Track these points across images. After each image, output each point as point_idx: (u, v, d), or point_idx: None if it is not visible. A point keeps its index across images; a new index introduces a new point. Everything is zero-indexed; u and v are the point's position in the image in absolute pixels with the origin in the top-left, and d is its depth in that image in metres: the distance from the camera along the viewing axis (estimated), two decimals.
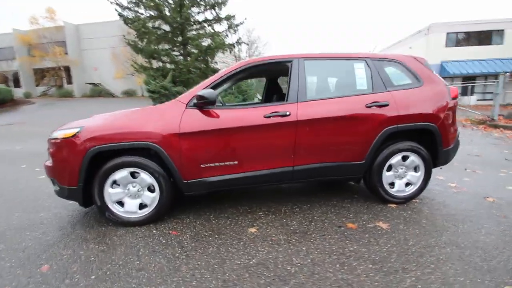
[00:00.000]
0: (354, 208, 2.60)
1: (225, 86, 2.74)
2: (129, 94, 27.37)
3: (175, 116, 2.19)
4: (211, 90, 2.15)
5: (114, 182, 2.21)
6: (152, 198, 2.26)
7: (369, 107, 2.43)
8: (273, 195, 2.97)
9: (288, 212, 2.54)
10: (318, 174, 2.49)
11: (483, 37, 21.63)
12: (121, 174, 2.19)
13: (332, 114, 2.36)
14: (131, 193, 2.25)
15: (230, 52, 17.10)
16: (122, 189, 2.24)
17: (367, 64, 2.57)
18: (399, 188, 2.66)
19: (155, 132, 2.14)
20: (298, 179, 2.46)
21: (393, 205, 2.65)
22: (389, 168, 2.61)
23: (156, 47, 15.08)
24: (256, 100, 16.73)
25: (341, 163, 2.48)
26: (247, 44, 20.05)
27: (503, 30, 21.07)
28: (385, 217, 2.39)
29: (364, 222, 2.30)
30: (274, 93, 3.60)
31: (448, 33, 21.75)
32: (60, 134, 2.20)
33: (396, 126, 2.48)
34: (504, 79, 8.69)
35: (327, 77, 2.62)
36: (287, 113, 2.29)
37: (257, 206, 2.69)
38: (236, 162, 2.28)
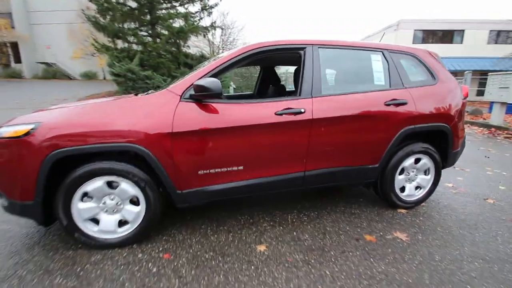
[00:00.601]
0: (365, 215, 2.39)
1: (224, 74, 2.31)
2: (89, 76, 24.93)
3: (167, 111, 1.73)
4: (215, 79, 1.71)
5: (85, 194, 1.72)
6: (136, 213, 1.81)
7: (388, 105, 2.17)
8: (274, 200, 2.65)
9: (295, 221, 2.24)
10: (330, 180, 2.22)
11: (446, 36, 23.02)
12: (95, 184, 1.70)
13: (350, 112, 2.07)
14: (107, 208, 1.78)
15: (204, 36, 16.12)
16: (95, 203, 1.76)
17: (384, 56, 2.31)
18: (409, 192, 2.49)
19: (140, 131, 1.67)
20: (309, 185, 2.17)
21: (403, 211, 2.48)
22: (401, 172, 2.42)
23: (121, 26, 13.65)
24: (231, 89, 16.19)
25: (355, 167, 2.22)
26: (222, 29, 19.03)
27: (463, 30, 22.57)
28: (400, 226, 2.21)
29: (381, 233, 2.08)
30: (270, 83, 3.22)
31: (415, 30, 22.77)
32: (7, 132, 1.64)
33: (413, 126, 2.27)
34: (470, 77, 9.18)
35: (343, 69, 2.31)
36: (302, 110, 1.94)
37: (260, 214, 2.36)
38: (241, 168, 1.91)
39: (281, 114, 1.90)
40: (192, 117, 1.75)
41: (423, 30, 22.93)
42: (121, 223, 1.83)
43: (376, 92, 2.19)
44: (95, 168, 1.67)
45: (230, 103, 1.88)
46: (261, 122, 1.86)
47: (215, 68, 1.88)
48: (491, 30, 22.73)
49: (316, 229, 2.12)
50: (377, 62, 2.27)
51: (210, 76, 1.86)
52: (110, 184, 1.74)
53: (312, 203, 2.60)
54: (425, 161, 2.45)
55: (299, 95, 2.01)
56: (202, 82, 1.69)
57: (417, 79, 2.41)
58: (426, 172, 2.51)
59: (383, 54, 2.31)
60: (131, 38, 14.05)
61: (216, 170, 1.85)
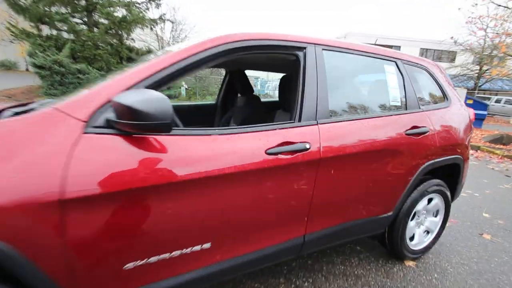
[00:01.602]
0: (371, 274, 1.79)
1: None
2: (7, 67, 20.71)
3: (51, 155, 0.82)
4: (160, 96, 0.86)
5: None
6: None
7: (409, 135, 1.60)
8: None
9: None
10: (334, 240, 1.55)
11: None
12: None
13: (368, 145, 1.42)
14: None
15: (151, 29, 14.49)
16: None
17: (398, 68, 1.74)
18: (419, 240, 1.98)
19: None
20: (307, 251, 1.46)
21: (411, 263, 1.96)
22: (413, 217, 1.89)
23: (47, 9, 11.36)
24: (182, 90, 14.80)
25: (366, 219, 1.60)
26: (172, 23, 17.46)
27: (400, 46, 24.91)
28: None
29: None
30: (239, 92, 2.45)
31: None
32: None
33: (433, 161, 1.74)
34: None
35: (354, 82, 1.68)
36: (307, 146, 1.23)
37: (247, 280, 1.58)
38: (208, 245, 1.10)
39: (275, 154, 1.15)
40: (110, 165, 0.88)
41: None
42: None
43: (394, 116, 1.60)
44: None
45: (188, 135, 1.05)
46: (244, 168, 1.08)
47: (161, 69, 1.03)
48: (421, 48, 25.60)
49: None
50: (391, 75, 1.69)
51: (152, 85, 1.01)
52: None
53: (301, 262, 1.91)
54: (437, 201, 1.97)
55: (299, 119, 1.29)
56: (133, 101, 0.82)
57: (431, 99, 1.92)
58: (435, 213, 2.04)
59: (396, 65, 1.74)
60: (61, 25, 11.83)
61: (162, 256, 1.01)
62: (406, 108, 1.69)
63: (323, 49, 1.42)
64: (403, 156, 1.59)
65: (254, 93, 2.41)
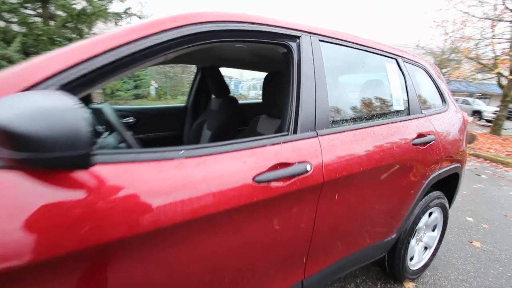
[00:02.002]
0: None
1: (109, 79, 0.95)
2: None
3: None
4: (61, 104, 0.49)
5: None
6: None
7: (415, 144, 1.37)
8: None
9: None
10: (335, 276, 1.27)
11: None
12: None
13: (376, 161, 1.16)
14: None
15: (116, 23, 13.49)
16: None
17: (399, 66, 1.51)
18: (418, 258, 1.79)
19: None
20: None
21: (411, 285, 1.76)
22: (413, 234, 1.68)
23: None
24: (151, 89, 13.92)
25: (371, 246, 1.35)
26: (140, 18, 16.44)
27: None
28: None
29: None
30: (213, 93, 2.11)
31: None
32: None
33: (438, 173, 1.54)
34: None
35: (354, 81, 1.41)
36: (307, 168, 0.92)
37: None
38: None
39: (266, 182, 0.84)
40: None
41: None
42: None
43: (399, 123, 1.36)
44: None
45: (137, 161, 0.69)
46: (223, 208, 0.75)
47: (89, 58, 0.65)
48: None
49: None
50: (393, 75, 1.45)
51: (74, 84, 0.64)
52: None
53: None
54: (436, 214, 1.79)
55: (294, 131, 0.98)
56: (10, 116, 0.45)
57: (431, 102, 1.72)
58: (433, 227, 1.86)
59: (397, 62, 1.50)
60: (9, 16, 10.53)
61: None
62: (409, 113, 1.47)
63: (319, 40, 1.12)
64: (410, 170, 1.35)
65: (230, 94, 2.07)
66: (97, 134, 1.19)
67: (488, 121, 14.72)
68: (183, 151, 0.74)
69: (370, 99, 1.40)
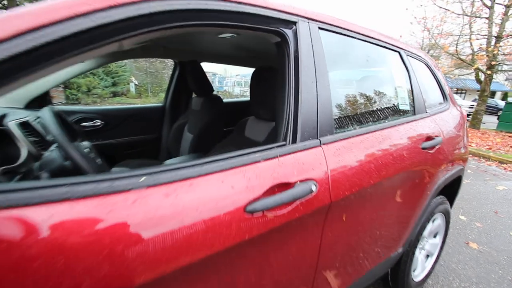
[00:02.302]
0: None
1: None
2: None
3: None
4: None
5: None
6: None
7: (424, 148, 1.21)
8: None
9: None
10: None
11: None
12: None
13: (387, 171, 0.98)
14: None
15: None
16: None
17: (402, 60, 1.35)
18: (422, 268, 1.66)
19: None
20: None
21: None
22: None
23: None
24: (131, 86, 13.28)
25: (377, 265, 1.18)
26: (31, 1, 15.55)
27: None
28: None
29: None
30: (194, 91, 1.88)
31: None
32: None
33: (445, 178, 1.40)
34: None
35: (355, 77, 1.23)
36: (312, 188, 0.73)
37: None
38: None
39: (262, 211, 0.63)
40: None
41: None
42: None
43: (406, 124, 1.19)
44: None
45: (73, 199, 0.46)
46: (204, 255, 0.54)
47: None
48: None
49: None
50: (398, 70, 1.29)
51: None
52: None
53: None
54: (440, 220, 1.66)
55: (293, 139, 0.78)
56: None
57: (434, 99, 1.58)
58: (435, 234, 1.73)
59: (400, 56, 1.34)
60: None
61: None
62: (414, 113, 1.31)
63: (319, 28, 0.93)
64: (420, 177, 1.20)
65: (214, 93, 1.85)
66: (44, 146, 0.95)
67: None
68: (144, 178, 0.52)
69: (375, 97, 1.23)
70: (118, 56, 1.73)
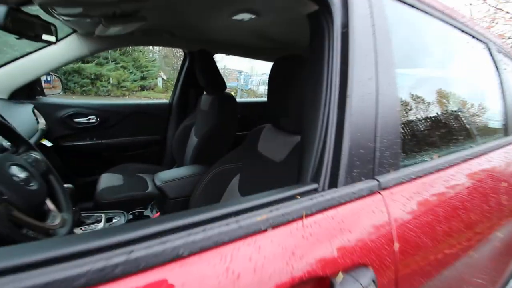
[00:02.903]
0: None
1: None
2: None
3: None
4: None
5: None
6: None
7: None
8: None
9: None
10: None
11: None
12: None
13: (475, 232, 0.60)
14: None
15: None
16: None
17: (491, 56, 0.93)
18: None
19: None
20: None
21: None
22: None
23: None
24: (158, 81, 13.43)
25: None
26: None
27: None
28: None
29: None
30: (205, 88, 1.58)
31: None
32: None
33: None
34: None
35: (431, 72, 0.85)
36: (364, 283, 0.37)
37: None
38: None
39: None
40: None
41: None
42: None
43: (498, 151, 0.79)
44: None
45: None
46: None
47: None
48: None
49: None
50: (485, 69, 0.88)
51: None
52: None
53: None
54: None
55: (331, 181, 0.43)
56: None
57: None
58: None
59: (489, 49, 0.92)
60: None
61: None
62: (507, 132, 0.89)
63: None
64: None
65: (227, 91, 1.52)
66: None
67: None
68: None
69: (459, 109, 0.83)
70: (120, 42, 1.48)
